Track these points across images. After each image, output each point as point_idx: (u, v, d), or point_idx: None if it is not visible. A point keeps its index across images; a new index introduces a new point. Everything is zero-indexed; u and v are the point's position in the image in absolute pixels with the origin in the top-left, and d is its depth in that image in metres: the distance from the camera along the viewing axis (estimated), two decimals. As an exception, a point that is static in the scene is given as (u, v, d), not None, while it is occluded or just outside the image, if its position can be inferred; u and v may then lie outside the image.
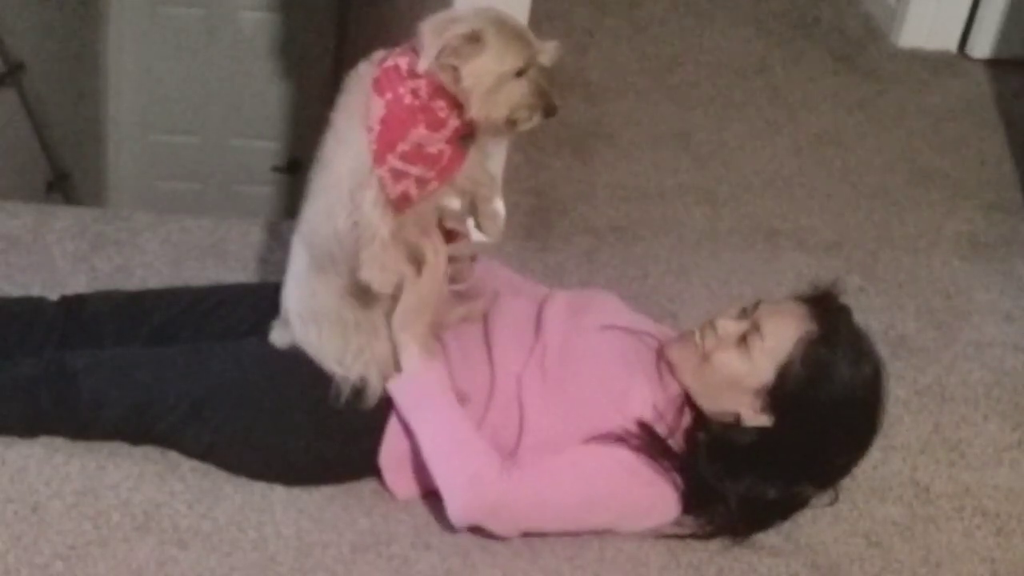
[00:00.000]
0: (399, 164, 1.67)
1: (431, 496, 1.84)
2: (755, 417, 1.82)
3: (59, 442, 1.88)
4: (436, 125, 1.67)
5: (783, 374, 1.79)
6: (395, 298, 1.80)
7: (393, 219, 1.70)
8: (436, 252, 1.79)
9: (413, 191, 1.70)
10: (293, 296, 1.84)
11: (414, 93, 1.65)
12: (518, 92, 1.66)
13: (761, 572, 1.86)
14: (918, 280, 2.63)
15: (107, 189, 4.81)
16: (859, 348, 1.82)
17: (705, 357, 1.84)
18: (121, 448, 1.89)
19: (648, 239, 2.64)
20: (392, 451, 1.85)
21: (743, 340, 1.82)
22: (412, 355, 1.81)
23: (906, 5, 3.60)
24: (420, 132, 1.67)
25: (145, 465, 1.87)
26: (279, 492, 1.86)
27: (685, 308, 2.41)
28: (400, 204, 1.71)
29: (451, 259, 1.86)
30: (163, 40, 4.61)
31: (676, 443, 1.84)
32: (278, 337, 1.87)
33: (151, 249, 2.38)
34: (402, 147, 1.67)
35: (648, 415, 1.82)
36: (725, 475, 1.82)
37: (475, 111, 1.65)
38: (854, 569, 1.90)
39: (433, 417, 1.79)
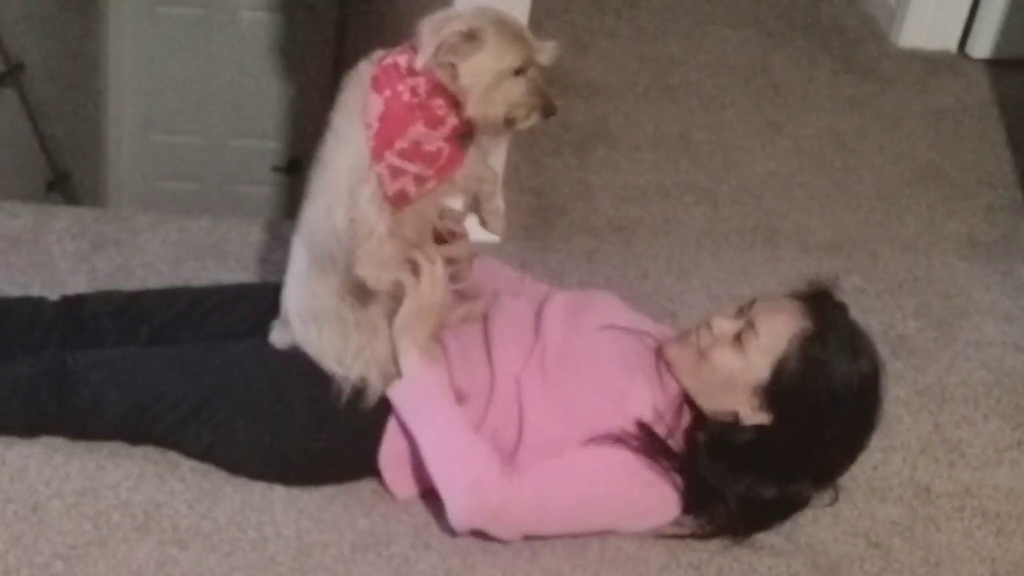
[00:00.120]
0: (397, 161, 1.67)
1: (431, 496, 1.84)
2: (753, 415, 1.82)
3: (59, 442, 1.88)
4: (434, 123, 1.67)
5: (779, 371, 1.79)
6: (394, 298, 1.80)
7: (391, 216, 1.70)
8: (431, 260, 1.79)
9: (411, 189, 1.70)
10: (293, 296, 1.84)
11: (413, 91, 1.66)
12: (516, 91, 1.66)
13: (761, 572, 1.86)
14: (918, 280, 2.63)
15: (107, 189, 4.81)
16: (855, 344, 1.82)
17: (701, 356, 1.84)
18: (121, 448, 1.89)
19: (648, 239, 2.64)
20: (392, 451, 1.85)
21: (738, 338, 1.82)
22: (412, 359, 1.81)
23: (906, 5, 3.60)
24: (418, 129, 1.67)
25: (145, 465, 1.87)
26: (279, 492, 1.86)
27: (685, 308, 2.41)
28: (398, 201, 1.71)
29: (450, 260, 1.86)
30: (163, 40, 4.61)
31: (676, 443, 1.84)
32: (278, 337, 1.87)
33: (151, 249, 2.38)
34: (400, 144, 1.67)
35: (648, 415, 1.82)
36: (725, 474, 1.82)
37: (473, 109, 1.65)
38: (854, 569, 1.90)
39: (433, 421, 1.79)
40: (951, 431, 2.21)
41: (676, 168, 2.93)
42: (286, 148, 4.80)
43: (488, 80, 1.64)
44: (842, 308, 1.88)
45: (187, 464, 1.88)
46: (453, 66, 1.64)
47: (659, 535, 1.87)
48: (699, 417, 1.86)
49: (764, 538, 1.90)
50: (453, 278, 1.89)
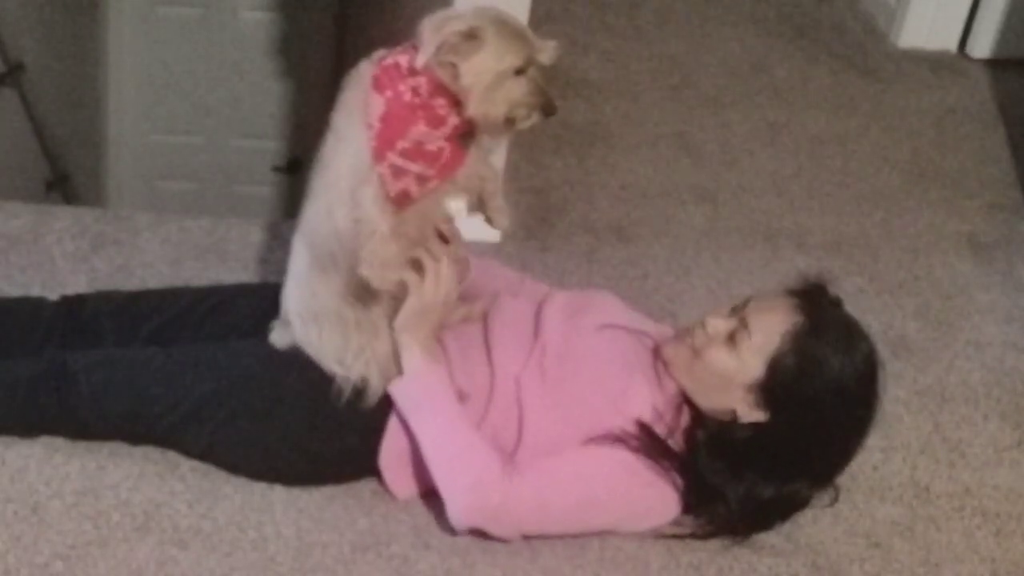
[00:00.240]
0: (399, 161, 1.67)
1: (431, 496, 1.84)
2: (750, 413, 1.82)
3: (59, 442, 1.88)
4: (436, 122, 1.67)
5: (773, 368, 1.79)
6: (395, 298, 1.80)
7: (393, 216, 1.70)
8: (435, 259, 1.79)
9: (413, 189, 1.70)
10: (293, 296, 1.84)
11: (414, 91, 1.66)
12: (517, 90, 1.66)
13: (761, 572, 1.86)
14: (918, 280, 2.63)
15: (107, 189, 4.81)
16: (849, 337, 1.82)
17: (696, 355, 1.84)
18: (121, 448, 1.89)
19: (648, 239, 2.64)
20: (392, 451, 1.85)
21: (732, 338, 1.82)
22: (414, 356, 1.81)
23: (906, 5, 3.60)
24: (420, 129, 1.67)
25: (145, 465, 1.87)
26: (279, 492, 1.86)
27: (685, 308, 2.41)
28: (400, 201, 1.71)
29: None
30: (163, 40, 4.61)
31: (676, 443, 1.84)
32: (278, 337, 1.87)
33: (151, 249, 2.38)
34: (402, 144, 1.67)
35: (647, 415, 1.82)
36: (725, 473, 1.82)
37: (474, 109, 1.65)
38: (854, 569, 1.90)
39: (434, 419, 1.79)
40: (951, 431, 2.21)
41: (676, 168, 2.93)
42: (286, 148, 4.80)
43: (489, 80, 1.64)
44: (836, 302, 1.88)
45: (187, 464, 1.88)
46: (454, 66, 1.64)
47: (659, 535, 1.87)
48: (698, 416, 1.86)
49: (764, 538, 1.90)
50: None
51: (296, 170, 4.64)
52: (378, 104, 1.66)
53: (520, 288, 2.09)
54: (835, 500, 1.92)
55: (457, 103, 1.66)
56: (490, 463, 1.76)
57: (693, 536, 1.87)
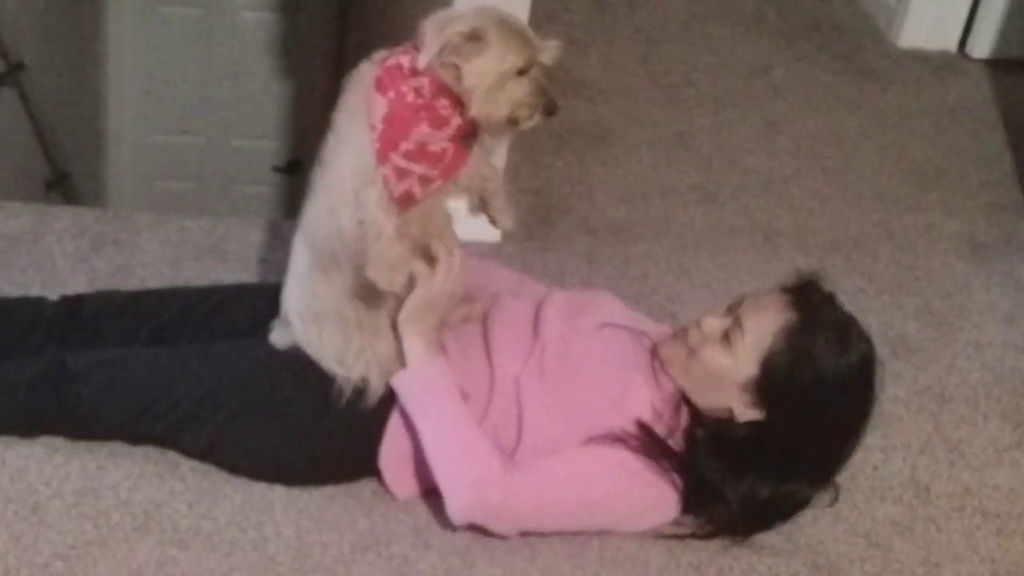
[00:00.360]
0: (402, 162, 1.67)
1: (431, 496, 1.84)
2: (746, 411, 1.82)
3: (59, 442, 1.88)
4: (439, 123, 1.67)
5: (767, 366, 1.79)
6: (400, 298, 1.80)
7: (398, 217, 1.70)
8: (449, 253, 1.79)
9: (417, 189, 1.70)
10: (294, 296, 1.84)
11: (417, 91, 1.66)
12: (519, 91, 1.66)
13: (761, 572, 1.86)
14: (918, 280, 2.63)
15: (107, 189, 4.81)
16: (843, 332, 1.81)
17: (692, 354, 1.85)
18: (121, 448, 1.89)
19: (648, 239, 2.64)
20: (392, 451, 1.85)
21: (726, 336, 1.82)
22: (418, 350, 1.81)
23: (906, 5, 3.60)
24: (423, 130, 1.67)
25: (145, 465, 1.87)
26: (279, 492, 1.86)
27: (685, 308, 2.41)
28: (404, 203, 1.71)
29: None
30: (163, 40, 4.61)
31: (675, 442, 1.84)
32: (278, 337, 1.87)
33: (151, 249, 2.38)
34: (405, 145, 1.67)
35: (647, 415, 1.82)
36: (725, 473, 1.82)
37: (476, 109, 1.65)
38: (854, 569, 1.90)
39: (437, 414, 1.79)
40: (951, 431, 2.21)
41: (676, 168, 2.93)
42: (286, 148, 4.80)
43: (492, 81, 1.64)
44: (830, 298, 1.87)
45: (187, 464, 1.88)
46: (457, 67, 1.63)
47: (659, 535, 1.87)
48: (696, 416, 1.86)
49: (764, 538, 1.90)
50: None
51: (296, 170, 4.64)
52: (381, 105, 1.66)
53: (520, 288, 2.09)
54: (835, 500, 1.92)
55: (460, 104, 1.66)
56: (491, 461, 1.76)
57: (693, 536, 1.87)
